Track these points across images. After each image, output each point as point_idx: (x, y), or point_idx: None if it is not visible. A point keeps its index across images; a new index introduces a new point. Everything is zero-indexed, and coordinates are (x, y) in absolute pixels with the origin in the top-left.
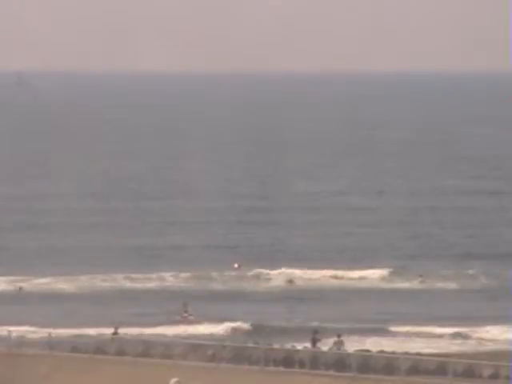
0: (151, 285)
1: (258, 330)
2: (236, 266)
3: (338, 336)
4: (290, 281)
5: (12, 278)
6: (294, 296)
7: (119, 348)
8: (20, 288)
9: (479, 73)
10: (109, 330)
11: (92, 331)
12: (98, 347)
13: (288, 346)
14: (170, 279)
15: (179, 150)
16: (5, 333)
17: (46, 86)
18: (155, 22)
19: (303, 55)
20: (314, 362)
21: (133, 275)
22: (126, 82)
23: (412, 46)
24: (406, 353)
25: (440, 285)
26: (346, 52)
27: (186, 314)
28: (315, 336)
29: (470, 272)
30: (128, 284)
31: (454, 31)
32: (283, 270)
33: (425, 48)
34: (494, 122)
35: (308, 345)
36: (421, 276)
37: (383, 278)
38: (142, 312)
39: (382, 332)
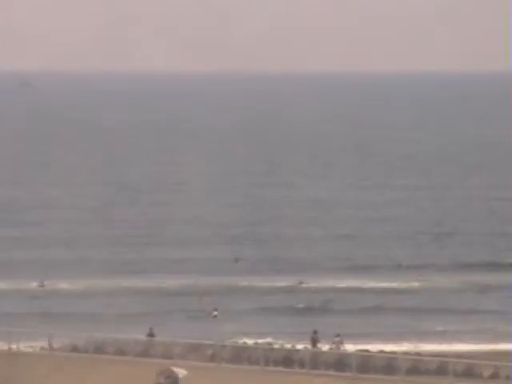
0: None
1: None
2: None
3: (337, 336)
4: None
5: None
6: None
7: (119, 348)
8: (42, 283)
9: (479, 73)
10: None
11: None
12: (98, 347)
13: (288, 345)
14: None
15: (179, 151)
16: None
17: (47, 86)
18: (155, 23)
19: (303, 55)
20: (314, 361)
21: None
22: (126, 82)
23: (412, 47)
24: (406, 353)
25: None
26: (346, 52)
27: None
28: (315, 336)
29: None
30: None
31: (453, 31)
32: (293, 277)
33: (425, 48)
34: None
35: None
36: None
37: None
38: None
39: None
